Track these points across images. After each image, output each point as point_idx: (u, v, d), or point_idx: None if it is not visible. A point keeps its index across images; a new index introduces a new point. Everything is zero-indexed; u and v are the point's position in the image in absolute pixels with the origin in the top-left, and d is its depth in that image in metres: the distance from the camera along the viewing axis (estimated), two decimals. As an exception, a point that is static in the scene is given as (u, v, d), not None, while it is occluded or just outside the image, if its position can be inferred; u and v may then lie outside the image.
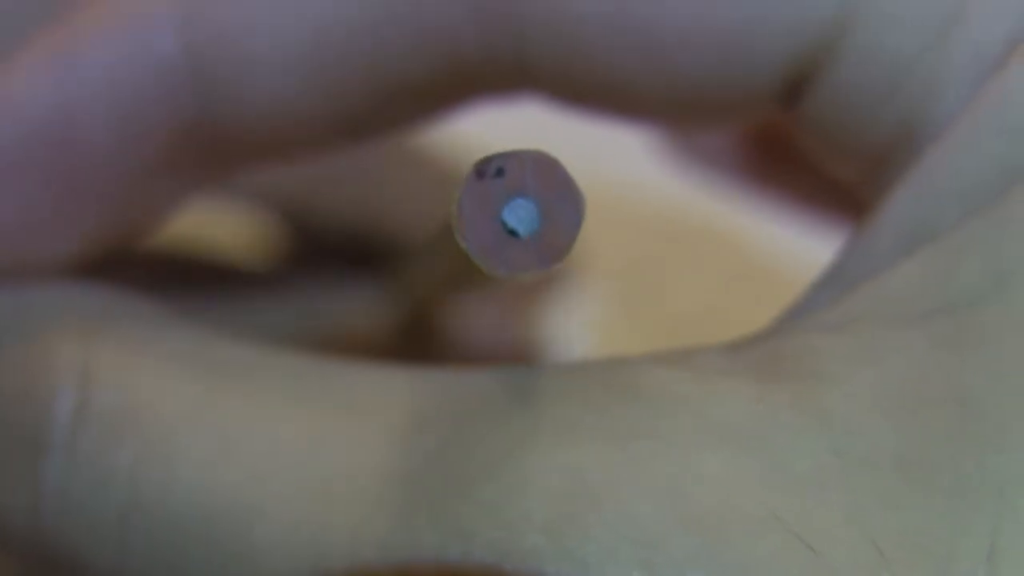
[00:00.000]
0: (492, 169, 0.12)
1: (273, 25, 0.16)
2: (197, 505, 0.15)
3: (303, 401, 0.15)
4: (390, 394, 0.15)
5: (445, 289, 0.19)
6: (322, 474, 0.15)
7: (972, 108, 0.15)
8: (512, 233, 0.12)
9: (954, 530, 0.13)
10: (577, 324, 0.27)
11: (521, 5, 0.16)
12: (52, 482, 0.16)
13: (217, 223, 0.25)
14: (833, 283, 0.16)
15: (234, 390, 0.16)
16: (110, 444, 0.15)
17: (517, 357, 0.24)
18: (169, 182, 0.18)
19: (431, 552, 0.14)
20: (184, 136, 0.17)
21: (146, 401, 0.15)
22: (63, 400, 0.16)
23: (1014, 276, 0.14)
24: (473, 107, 0.19)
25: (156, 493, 0.15)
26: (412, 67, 0.17)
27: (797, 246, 0.23)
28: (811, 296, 0.16)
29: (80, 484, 0.15)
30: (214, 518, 0.15)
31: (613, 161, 0.26)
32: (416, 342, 0.23)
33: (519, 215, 0.12)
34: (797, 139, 0.18)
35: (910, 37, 0.16)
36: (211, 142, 0.17)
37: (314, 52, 0.17)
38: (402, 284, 0.23)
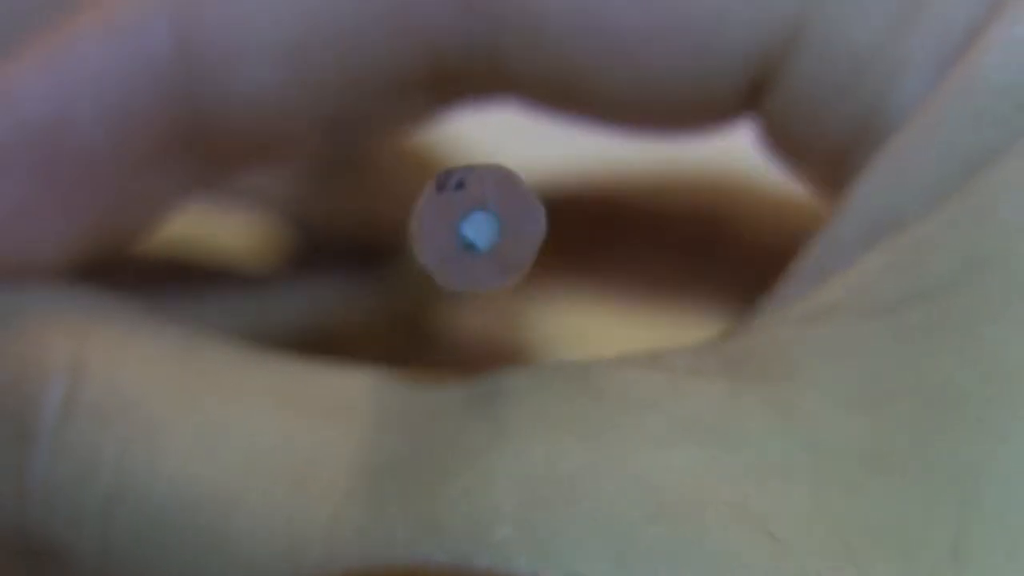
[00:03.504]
0: (452, 182, 0.12)
1: (259, 21, 0.17)
2: (178, 496, 0.15)
3: (282, 399, 0.16)
4: (366, 393, 0.16)
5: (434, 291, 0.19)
6: (298, 468, 0.15)
7: (936, 95, 0.15)
8: (470, 247, 0.12)
9: (921, 520, 0.13)
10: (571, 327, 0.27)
11: (496, 2, 0.17)
12: (39, 473, 0.16)
13: (217, 225, 0.25)
14: (804, 276, 0.16)
15: (216, 387, 0.16)
16: (96, 436, 0.16)
17: (510, 359, 0.24)
18: (162, 180, 0.18)
19: (404, 543, 0.14)
20: (175, 131, 0.17)
21: (132, 396, 0.16)
22: (52, 392, 0.16)
23: (986, 263, 0.14)
24: (454, 110, 0.19)
25: (139, 484, 0.15)
26: (393, 63, 0.17)
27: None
28: (783, 290, 0.16)
29: (66, 475, 0.16)
30: (194, 509, 0.15)
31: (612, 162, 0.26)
32: (412, 342, 0.24)
33: (478, 228, 0.12)
34: (762, 141, 0.18)
35: (870, 26, 0.16)
36: (201, 138, 0.17)
37: (298, 48, 0.17)
38: (398, 285, 0.23)
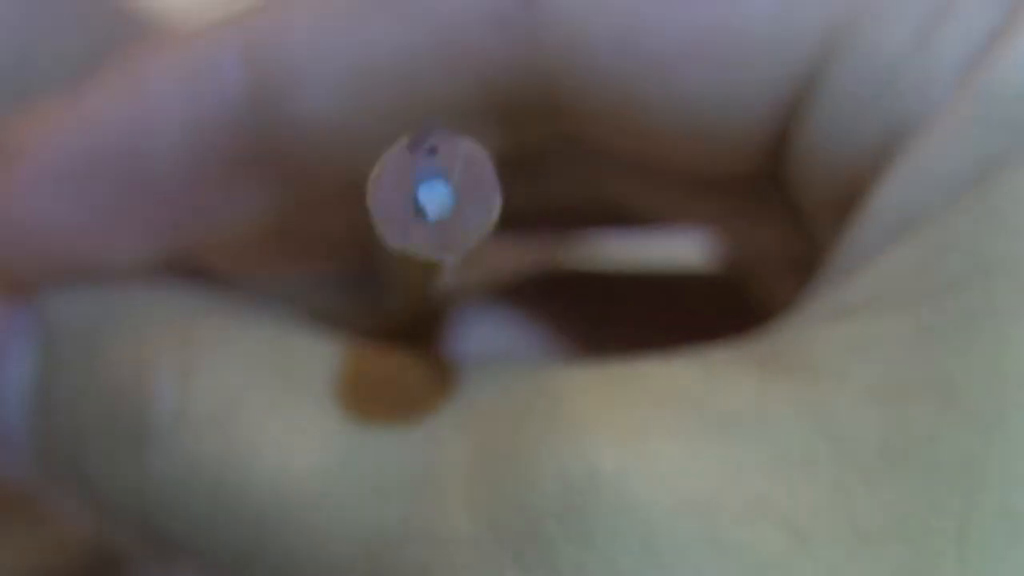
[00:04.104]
0: (424, 145, 0.12)
1: (322, 55, 0.18)
2: (271, 496, 0.16)
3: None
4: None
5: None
6: (375, 470, 0.16)
7: (956, 99, 0.16)
8: (420, 212, 0.12)
9: (929, 509, 0.14)
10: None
11: (544, 29, 0.17)
12: (155, 470, 0.17)
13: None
14: (832, 272, 0.16)
15: (304, 387, 0.17)
16: (203, 439, 0.17)
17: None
18: (235, 201, 0.19)
19: (466, 539, 0.15)
20: (247, 156, 0.18)
21: (232, 398, 0.17)
22: (165, 397, 0.17)
23: (995, 265, 0.15)
24: (522, 150, 0.19)
25: (237, 482, 0.17)
26: (448, 92, 0.18)
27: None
28: (812, 287, 0.17)
29: (177, 475, 0.17)
30: (286, 507, 0.16)
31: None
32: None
33: (433, 197, 0.12)
34: (783, 174, 0.18)
35: (899, 36, 0.16)
36: (272, 162, 0.18)
37: (357, 78, 0.18)
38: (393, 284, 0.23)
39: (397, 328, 0.21)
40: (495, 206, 0.12)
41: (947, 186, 0.16)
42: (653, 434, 0.15)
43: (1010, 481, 0.14)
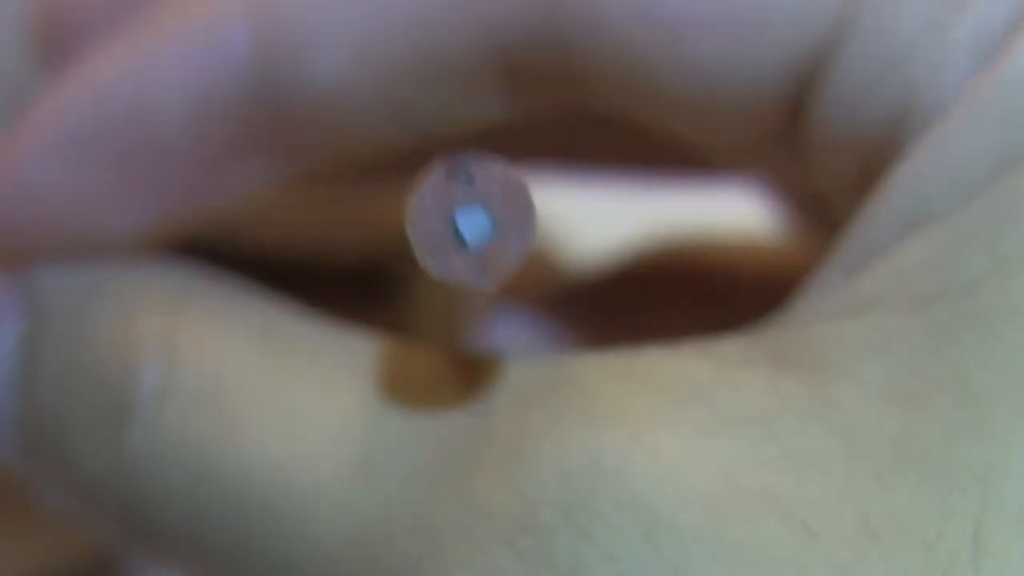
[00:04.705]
0: (462, 172, 0.12)
1: (330, 15, 0.17)
2: (257, 481, 0.16)
3: (350, 382, 0.17)
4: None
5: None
6: (364, 454, 0.16)
7: (971, 91, 0.16)
8: (460, 240, 0.12)
9: (942, 512, 0.14)
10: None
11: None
12: (137, 448, 0.17)
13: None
14: (841, 263, 0.16)
15: (295, 372, 0.17)
16: (186, 419, 0.17)
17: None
18: (242, 170, 0.19)
19: (455, 527, 0.15)
20: (254, 123, 0.18)
21: (221, 377, 0.17)
22: (150, 373, 0.17)
23: (1013, 263, 0.15)
24: (530, 117, 0.19)
25: (223, 468, 0.16)
26: (457, 52, 0.18)
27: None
28: (820, 276, 0.17)
29: (158, 454, 0.17)
30: (271, 494, 0.16)
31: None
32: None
33: (472, 224, 0.12)
34: (797, 147, 0.18)
35: (914, 17, 0.16)
36: (280, 129, 0.18)
37: (366, 39, 0.18)
38: (410, 308, 0.23)
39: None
40: (534, 232, 0.12)
41: (963, 180, 0.16)
42: (658, 426, 0.15)
43: None
